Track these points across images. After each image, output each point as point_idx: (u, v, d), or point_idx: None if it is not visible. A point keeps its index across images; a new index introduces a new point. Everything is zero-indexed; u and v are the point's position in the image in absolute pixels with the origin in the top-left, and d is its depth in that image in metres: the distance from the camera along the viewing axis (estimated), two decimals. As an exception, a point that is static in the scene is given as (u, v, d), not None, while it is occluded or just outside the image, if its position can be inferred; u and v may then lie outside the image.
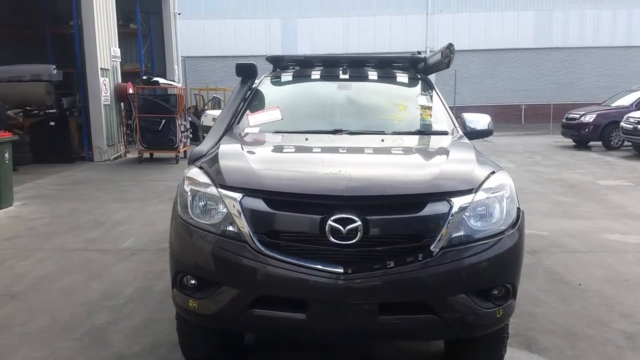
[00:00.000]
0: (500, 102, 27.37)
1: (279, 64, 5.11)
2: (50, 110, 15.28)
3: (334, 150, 3.51)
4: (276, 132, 3.98)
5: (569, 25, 27.33)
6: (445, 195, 2.70)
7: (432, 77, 5.15)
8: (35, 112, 15.21)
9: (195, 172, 3.04)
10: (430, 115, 4.29)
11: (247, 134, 3.97)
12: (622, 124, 15.03)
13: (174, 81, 17.55)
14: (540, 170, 12.08)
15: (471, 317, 2.67)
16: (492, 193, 2.82)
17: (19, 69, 13.70)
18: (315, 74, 4.78)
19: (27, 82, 13.47)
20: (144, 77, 15.40)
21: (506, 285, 2.79)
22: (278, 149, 3.67)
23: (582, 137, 16.83)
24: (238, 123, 4.19)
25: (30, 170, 12.00)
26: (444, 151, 3.39)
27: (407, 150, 3.64)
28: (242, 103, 4.40)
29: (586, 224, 7.09)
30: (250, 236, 2.63)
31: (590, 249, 6.00)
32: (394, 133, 3.96)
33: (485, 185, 2.83)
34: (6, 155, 8.15)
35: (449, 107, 4.49)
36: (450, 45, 4.34)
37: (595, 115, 16.48)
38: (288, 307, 2.63)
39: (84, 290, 4.76)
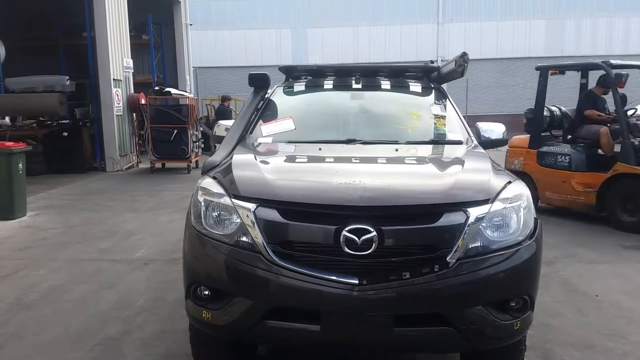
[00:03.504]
0: (513, 111, 27.18)
1: (291, 73, 5.11)
2: (63, 121, 15.44)
3: (348, 160, 3.49)
4: (289, 142, 3.97)
5: (581, 34, 27.19)
6: (461, 206, 2.67)
7: (443, 87, 5.12)
8: (49, 122, 15.37)
9: (208, 183, 3.03)
10: (444, 125, 4.26)
11: (260, 144, 3.96)
12: (636, 132, 14.87)
13: (186, 91, 17.66)
14: (553, 179, 11.94)
15: (488, 329, 2.63)
16: (509, 203, 2.79)
17: (33, 80, 13.88)
18: (328, 83, 4.77)
19: (40, 93, 13.62)
20: (156, 88, 15.50)
21: (524, 296, 2.75)
22: (291, 159, 3.66)
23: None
24: (251, 133, 4.18)
25: (43, 181, 12.08)
26: (459, 161, 3.36)
27: (422, 160, 3.61)
28: (255, 113, 4.39)
29: (602, 233, 7.00)
30: (264, 247, 2.61)
31: (606, 259, 5.91)
32: (408, 143, 3.94)
33: (501, 195, 2.80)
34: (20, 165, 8.21)
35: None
36: (464, 54, 4.31)
37: (609, 124, 16.32)
38: (302, 318, 2.60)
39: (97, 301, 4.76)
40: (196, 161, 14.53)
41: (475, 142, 4.04)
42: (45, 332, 4.10)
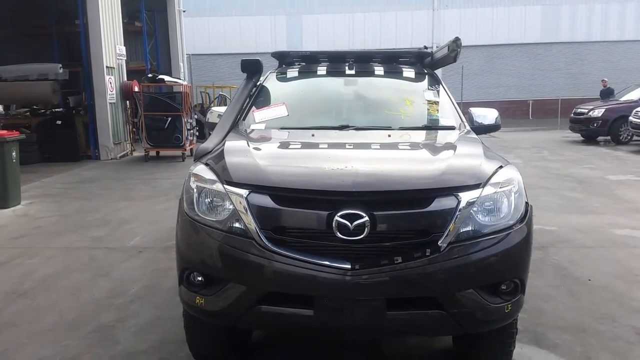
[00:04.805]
0: (508, 97, 27.25)
1: (284, 59, 5.09)
2: (56, 109, 15.37)
3: (341, 146, 3.49)
4: (282, 128, 3.97)
5: (577, 20, 27.16)
6: (452, 190, 2.68)
7: (438, 72, 5.12)
8: (42, 111, 15.29)
9: (201, 169, 3.03)
10: (437, 110, 4.26)
11: (253, 130, 3.95)
12: (631, 118, 14.94)
13: (180, 79, 17.58)
14: (548, 165, 12.01)
15: (479, 312, 2.65)
16: (500, 187, 2.80)
17: (26, 68, 13.77)
18: (321, 69, 4.76)
19: (33, 81, 13.54)
20: (150, 75, 15.41)
21: (514, 280, 2.77)
22: (284, 145, 3.66)
23: (590, 131, 16.74)
24: (244, 119, 4.17)
25: (37, 169, 12.04)
26: (451, 146, 3.36)
27: (414, 146, 3.62)
28: (248, 99, 4.38)
29: (595, 219, 7.04)
30: (257, 232, 2.62)
31: (599, 244, 5.95)
32: (401, 128, 3.94)
33: (493, 180, 2.81)
34: (13, 154, 8.17)
35: (456, 102, 4.46)
36: (456, 39, 4.30)
37: (603, 110, 16.39)
38: (295, 303, 2.61)
39: (91, 289, 4.77)
40: (191, 149, 14.48)
41: (468, 127, 4.05)
42: (40, 320, 4.11)
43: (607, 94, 19.36)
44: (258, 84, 4.55)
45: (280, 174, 2.89)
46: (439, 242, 2.57)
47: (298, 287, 2.61)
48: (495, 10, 27.12)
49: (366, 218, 2.53)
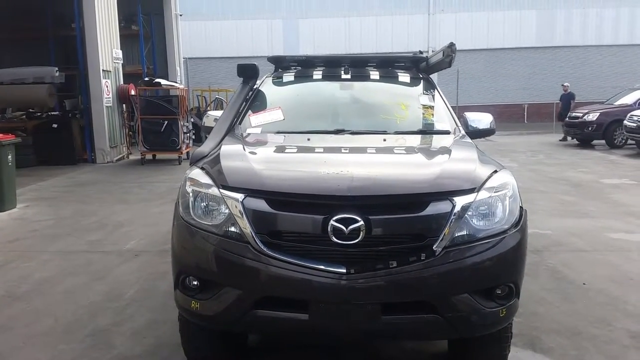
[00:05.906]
0: (503, 101, 27.32)
1: (280, 64, 5.10)
2: (52, 113, 15.33)
3: (336, 150, 3.50)
4: (278, 132, 3.98)
5: (572, 24, 27.28)
6: (447, 195, 2.69)
7: (433, 77, 5.14)
8: (38, 114, 15.26)
9: (197, 173, 3.04)
10: (432, 115, 4.27)
11: (248, 134, 3.96)
12: (625, 122, 15.01)
13: (176, 82, 17.58)
14: (543, 169, 12.05)
15: (474, 316, 2.67)
16: (495, 192, 2.81)
17: (22, 72, 13.75)
18: (317, 74, 4.77)
19: (29, 84, 13.50)
20: (146, 79, 15.40)
21: (509, 284, 2.78)
22: (280, 149, 3.67)
23: (585, 135, 16.80)
24: (240, 123, 4.18)
25: (33, 173, 12.01)
26: (446, 150, 3.38)
27: (410, 150, 3.63)
28: (244, 103, 4.38)
29: (590, 222, 7.07)
30: (253, 237, 2.63)
31: (594, 247, 5.97)
32: (396, 133, 3.95)
33: (487, 184, 2.82)
34: (9, 157, 8.16)
35: (452, 106, 4.48)
36: (451, 45, 4.33)
37: (598, 114, 16.46)
38: (291, 307, 2.62)
39: (87, 292, 4.76)
40: (187, 152, 14.47)
41: (463, 132, 4.07)
42: (36, 324, 4.11)
43: (567, 98, 19.46)
44: (254, 88, 4.56)
45: (276, 178, 2.90)
46: (434, 246, 2.58)
47: (293, 292, 2.62)
48: (491, 15, 27.22)
49: (361, 222, 2.54)
